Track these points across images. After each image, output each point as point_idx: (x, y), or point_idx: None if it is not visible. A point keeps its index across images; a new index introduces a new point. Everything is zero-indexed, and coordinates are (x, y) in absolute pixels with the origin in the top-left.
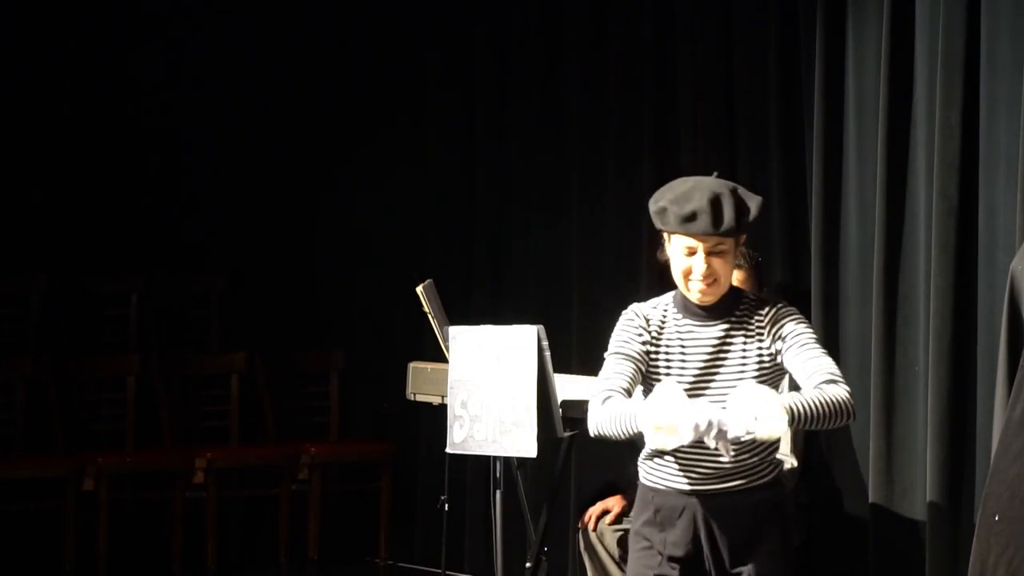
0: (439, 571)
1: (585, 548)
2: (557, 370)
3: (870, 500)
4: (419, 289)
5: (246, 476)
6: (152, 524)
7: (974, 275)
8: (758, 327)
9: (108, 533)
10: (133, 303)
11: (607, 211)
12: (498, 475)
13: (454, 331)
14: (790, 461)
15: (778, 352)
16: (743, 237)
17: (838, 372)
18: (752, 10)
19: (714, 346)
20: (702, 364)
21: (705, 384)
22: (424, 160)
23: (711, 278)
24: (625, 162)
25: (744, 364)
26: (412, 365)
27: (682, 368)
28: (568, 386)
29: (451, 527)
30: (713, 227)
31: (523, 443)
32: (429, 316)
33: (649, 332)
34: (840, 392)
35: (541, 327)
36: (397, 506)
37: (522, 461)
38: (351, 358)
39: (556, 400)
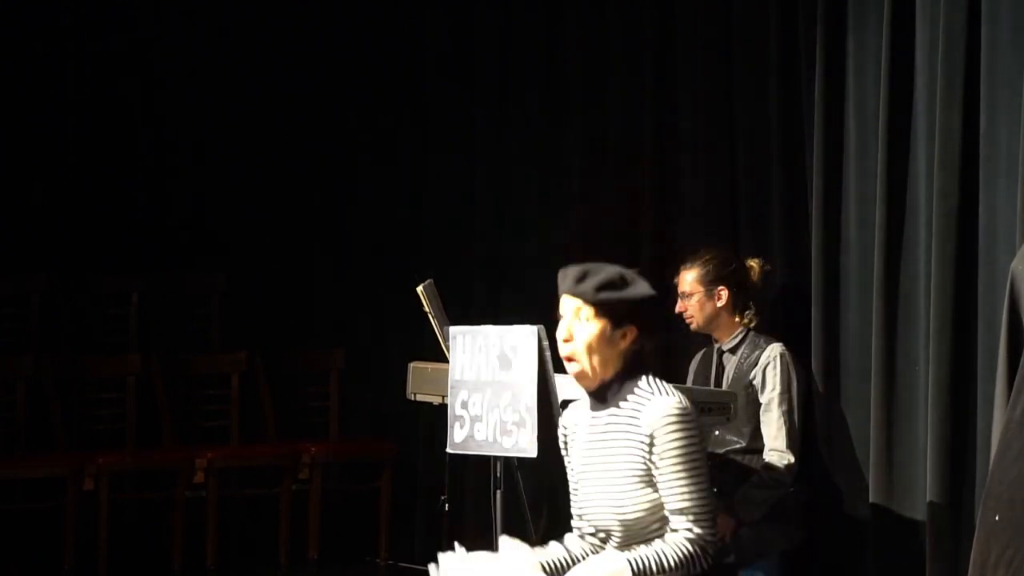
0: None
1: None
2: (557, 370)
3: (870, 500)
4: (419, 289)
5: (246, 476)
6: (152, 524)
7: (974, 275)
8: (639, 427)
9: (108, 533)
10: (133, 303)
11: (607, 211)
12: (498, 475)
13: (454, 331)
14: (787, 458)
15: (653, 466)
16: (629, 331)
17: (695, 504)
18: (752, 10)
19: (595, 436)
20: (584, 454)
21: (586, 477)
22: (424, 160)
23: (569, 348)
24: (625, 162)
25: (626, 461)
26: (412, 365)
27: (578, 468)
28: (568, 386)
29: (451, 527)
30: (571, 285)
31: (523, 443)
32: (429, 316)
33: (567, 442)
34: (681, 541)
35: (541, 327)
36: (397, 506)
37: (522, 461)
38: (351, 358)
39: (556, 400)
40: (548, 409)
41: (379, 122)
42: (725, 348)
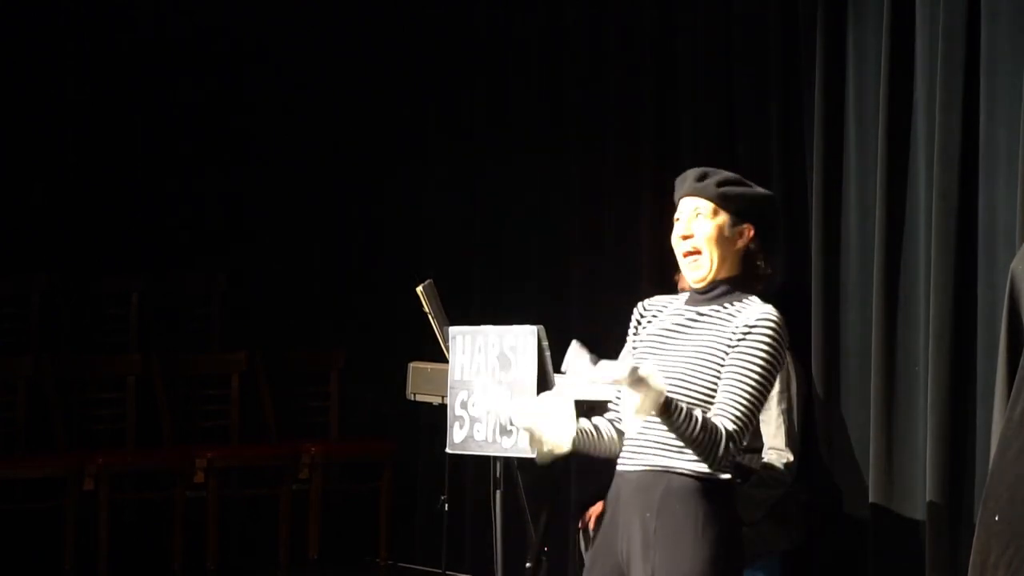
0: (439, 571)
1: (586, 548)
2: (557, 370)
3: (870, 500)
4: (419, 289)
5: (246, 476)
6: (152, 524)
7: (974, 275)
8: (734, 321)
9: (108, 533)
10: (133, 303)
11: (607, 211)
12: (498, 475)
13: (454, 331)
14: (786, 456)
15: (727, 355)
16: (747, 229)
17: (742, 414)
18: (752, 10)
19: (683, 324)
20: (662, 332)
21: (655, 351)
22: (424, 160)
23: (691, 244)
24: (625, 162)
25: (706, 344)
26: (412, 365)
27: (648, 341)
28: (568, 386)
29: (451, 527)
30: (692, 185)
31: (523, 443)
32: (429, 316)
33: (641, 323)
34: (715, 422)
35: (541, 327)
36: (397, 506)
37: (522, 461)
38: (351, 358)
39: None
40: None
41: (379, 122)
42: None
